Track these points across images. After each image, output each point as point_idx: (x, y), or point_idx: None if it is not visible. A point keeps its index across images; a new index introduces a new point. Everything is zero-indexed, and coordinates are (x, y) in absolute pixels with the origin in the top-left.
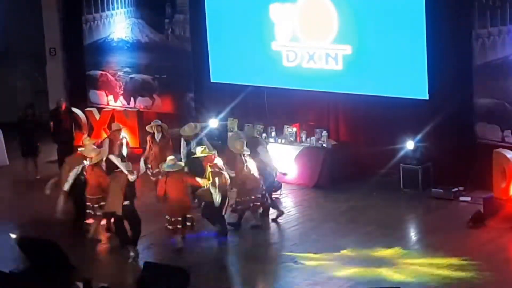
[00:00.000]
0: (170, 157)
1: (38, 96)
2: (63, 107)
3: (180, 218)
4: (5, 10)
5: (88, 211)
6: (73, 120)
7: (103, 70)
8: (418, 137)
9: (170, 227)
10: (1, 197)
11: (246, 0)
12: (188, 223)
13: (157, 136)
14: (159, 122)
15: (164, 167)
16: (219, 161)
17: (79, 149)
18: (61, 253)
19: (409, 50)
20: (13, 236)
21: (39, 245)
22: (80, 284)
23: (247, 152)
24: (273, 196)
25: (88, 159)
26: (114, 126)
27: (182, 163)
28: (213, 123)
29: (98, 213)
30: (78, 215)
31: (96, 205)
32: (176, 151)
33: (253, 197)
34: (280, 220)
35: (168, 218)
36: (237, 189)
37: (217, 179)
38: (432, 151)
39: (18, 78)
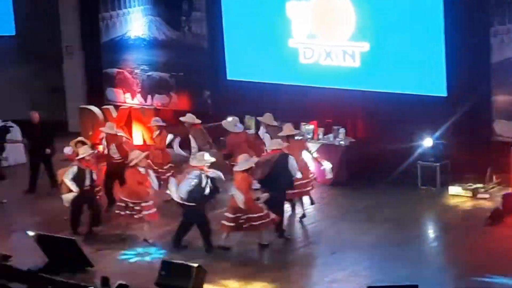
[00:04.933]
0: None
1: (55, 95)
2: (36, 120)
3: None
4: (22, 8)
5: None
6: (47, 133)
7: (120, 68)
8: (436, 134)
9: None
10: (18, 195)
11: None
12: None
13: (155, 134)
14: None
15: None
16: None
17: None
18: (79, 251)
19: (427, 47)
20: (31, 233)
21: (58, 242)
22: (98, 282)
23: None
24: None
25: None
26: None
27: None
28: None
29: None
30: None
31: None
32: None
33: None
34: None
35: None
36: None
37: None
38: (450, 148)
39: (34, 76)
